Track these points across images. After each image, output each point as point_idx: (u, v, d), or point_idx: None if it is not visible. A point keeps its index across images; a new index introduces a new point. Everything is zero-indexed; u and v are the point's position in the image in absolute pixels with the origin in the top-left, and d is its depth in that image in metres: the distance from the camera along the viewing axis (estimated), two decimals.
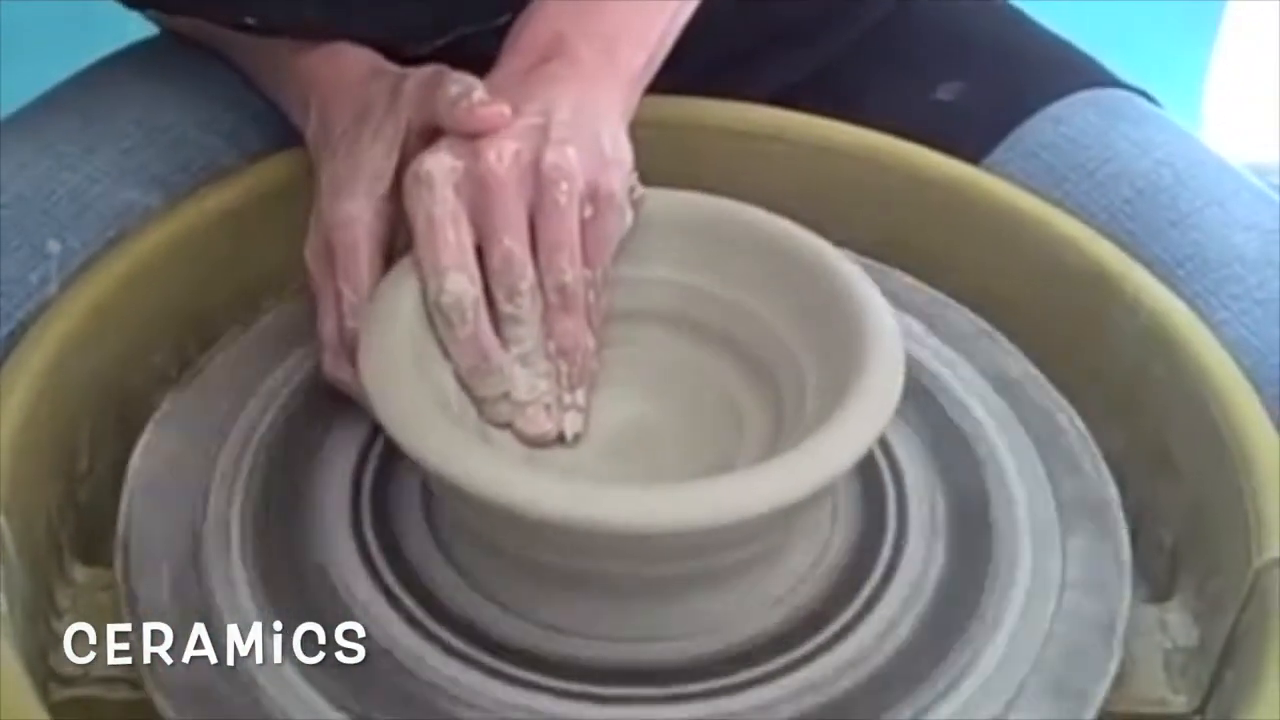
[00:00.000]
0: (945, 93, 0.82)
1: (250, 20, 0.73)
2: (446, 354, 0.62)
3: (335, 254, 0.64)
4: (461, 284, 0.60)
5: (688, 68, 0.80)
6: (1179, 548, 0.67)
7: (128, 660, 0.61)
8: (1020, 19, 0.87)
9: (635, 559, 0.56)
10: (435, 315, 0.61)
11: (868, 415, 0.57)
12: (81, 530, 0.68)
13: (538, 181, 0.60)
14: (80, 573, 0.66)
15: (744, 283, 0.66)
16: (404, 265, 0.63)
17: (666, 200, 0.67)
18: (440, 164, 0.60)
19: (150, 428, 0.66)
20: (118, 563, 0.61)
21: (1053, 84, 0.81)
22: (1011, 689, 0.58)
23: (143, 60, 0.83)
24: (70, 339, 0.67)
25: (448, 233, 0.60)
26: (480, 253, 0.61)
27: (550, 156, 0.60)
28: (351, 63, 0.71)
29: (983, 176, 0.77)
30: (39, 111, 0.79)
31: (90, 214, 0.72)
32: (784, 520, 0.58)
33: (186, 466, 0.65)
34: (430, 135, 0.65)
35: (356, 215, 0.64)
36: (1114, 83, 0.83)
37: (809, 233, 0.66)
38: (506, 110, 0.62)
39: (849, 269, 0.64)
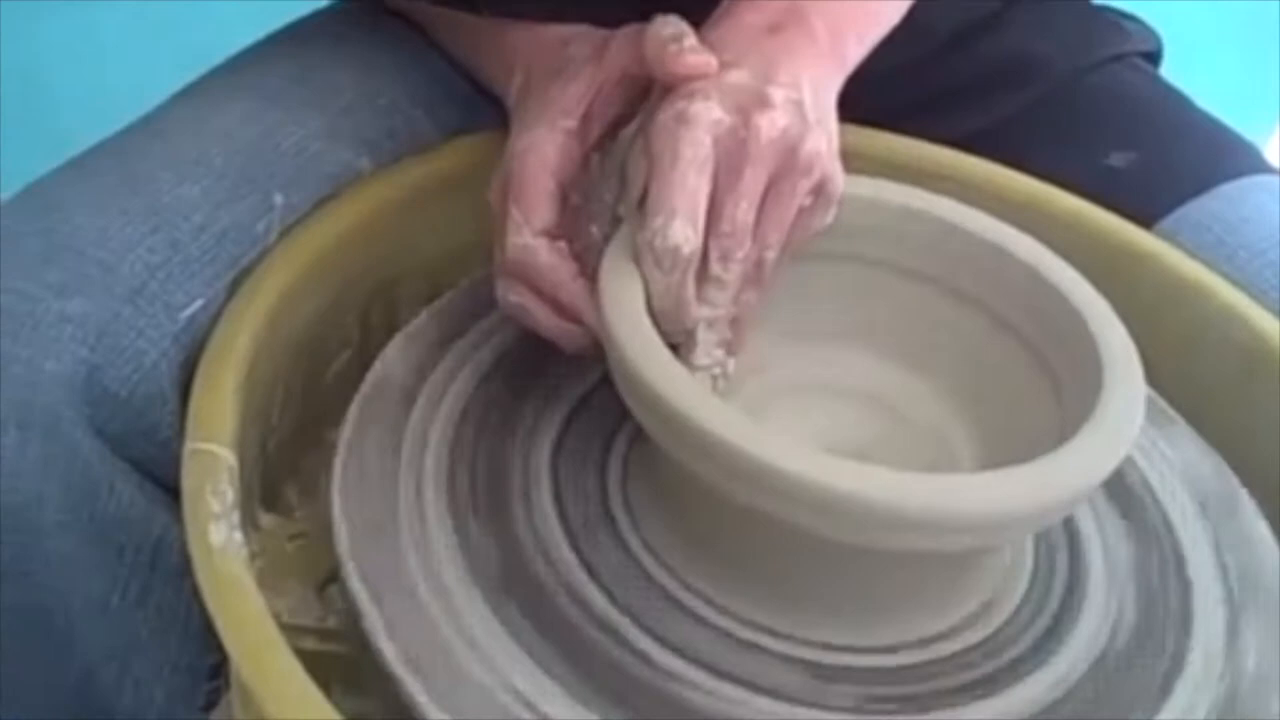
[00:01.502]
0: (1118, 160, 0.84)
1: (483, 6, 0.75)
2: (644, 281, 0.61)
3: (510, 180, 0.65)
4: (685, 234, 0.59)
5: (853, 114, 0.82)
6: None
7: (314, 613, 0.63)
8: (1186, 102, 0.90)
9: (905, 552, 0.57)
10: (645, 252, 0.60)
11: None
12: (265, 478, 0.69)
13: (790, 160, 0.61)
14: (266, 519, 0.67)
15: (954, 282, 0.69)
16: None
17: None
18: (709, 111, 0.60)
19: (366, 386, 0.67)
20: (339, 531, 0.60)
21: (1225, 164, 0.84)
22: None
23: (353, 20, 0.84)
24: (286, 294, 0.68)
25: (690, 176, 0.59)
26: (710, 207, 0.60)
27: (811, 144, 0.61)
28: (559, 29, 0.73)
29: (1153, 240, 0.80)
30: (257, 63, 0.80)
31: (310, 170, 0.73)
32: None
33: (391, 444, 0.65)
34: (629, 83, 0.66)
35: (535, 143, 0.65)
36: (1277, 170, 0.86)
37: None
38: (714, 62, 0.62)
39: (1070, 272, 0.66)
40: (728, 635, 0.60)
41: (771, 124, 0.60)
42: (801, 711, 0.57)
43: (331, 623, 0.64)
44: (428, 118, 0.79)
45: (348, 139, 0.75)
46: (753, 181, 0.60)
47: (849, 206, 0.66)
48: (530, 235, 0.64)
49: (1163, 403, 0.74)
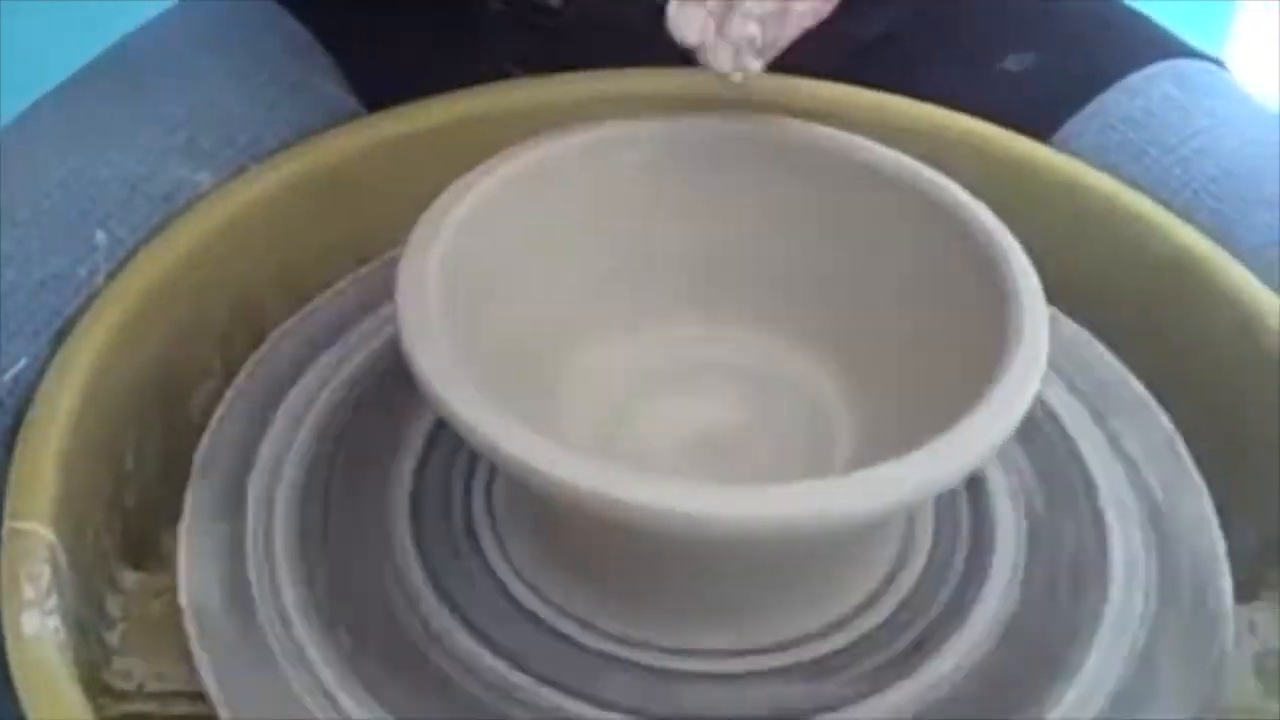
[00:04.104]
0: (1014, 64, 0.78)
1: None
2: None
3: None
4: None
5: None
6: (1265, 545, 0.65)
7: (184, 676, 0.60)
8: None
9: (741, 563, 0.54)
10: None
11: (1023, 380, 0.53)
12: (128, 533, 0.65)
13: None
14: (129, 579, 0.63)
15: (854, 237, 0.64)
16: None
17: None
18: None
19: (209, 430, 0.64)
20: (181, 579, 0.58)
21: (1129, 55, 0.78)
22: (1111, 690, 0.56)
23: (181, 28, 0.80)
24: (117, 337, 0.64)
25: None
26: None
27: None
28: None
29: (1057, 156, 0.74)
30: (79, 86, 0.76)
31: (137, 198, 0.69)
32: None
33: (241, 472, 0.62)
34: None
35: None
36: (1190, 52, 0.80)
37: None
38: None
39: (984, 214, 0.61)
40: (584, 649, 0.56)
41: None
42: None
43: None
44: (269, 116, 0.75)
45: (181, 155, 0.71)
46: None
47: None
48: None
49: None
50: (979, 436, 0.51)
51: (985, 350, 0.55)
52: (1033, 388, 0.53)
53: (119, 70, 0.76)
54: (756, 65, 0.61)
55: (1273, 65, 1.66)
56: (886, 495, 0.49)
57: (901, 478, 0.49)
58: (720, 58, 0.60)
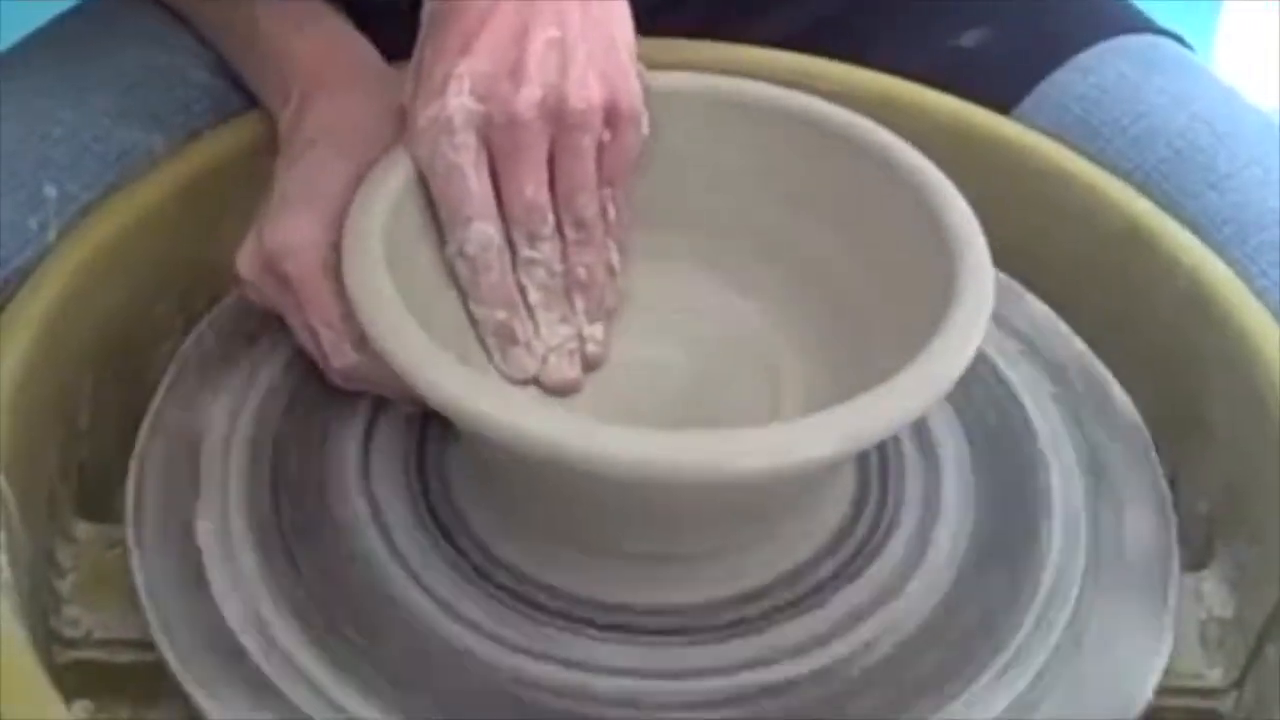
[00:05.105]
0: (969, 39, 0.78)
1: None
2: (469, 314, 0.60)
3: (291, 283, 0.60)
4: (486, 233, 0.58)
5: (690, 13, 0.78)
6: (1215, 515, 0.65)
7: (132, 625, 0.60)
8: None
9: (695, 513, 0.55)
10: (458, 263, 0.59)
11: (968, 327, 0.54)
12: (83, 485, 0.65)
13: (560, 123, 0.58)
14: (82, 530, 0.63)
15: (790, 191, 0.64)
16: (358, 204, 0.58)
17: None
18: (463, 108, 0.56)
19: (161, 393, 0.64)
20: (129, 531, 0.59)
21: (1083, 31, 0.78)
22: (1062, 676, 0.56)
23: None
24: (71, 289, 0.64)
25: (470, 181, 0.57)
26: (498, 192, 0.59)
27: (575, 102, 0.57)
28: (345, 59, 0.68)
29: (1012, 126, 0.75)
30: (36, 46, 0.76)
31: (89, 156, 0.69)
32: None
33: (198, 430, 0.63)
34: None
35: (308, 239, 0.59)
36: (1146, 27, 0.80)
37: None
38: None
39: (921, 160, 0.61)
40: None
41: (527, 100, 0.56)
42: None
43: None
44: (229, 85, 0.75)
45: (135, 117, 0.71)
46: (529, 160, 0.58)
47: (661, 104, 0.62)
48: (353, 349, 0.60)
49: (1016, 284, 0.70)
50: (896, 397, 0.51)
51: (931, 303, 0.55)
52: (972, 344, 0.53)
53: (74, 33, 0.76)
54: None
55: (1260, 59, 1.67)
56: (804, 449, 0.49)
57: (828, 428, 0.50)
58: (560, 369, 0.62)
